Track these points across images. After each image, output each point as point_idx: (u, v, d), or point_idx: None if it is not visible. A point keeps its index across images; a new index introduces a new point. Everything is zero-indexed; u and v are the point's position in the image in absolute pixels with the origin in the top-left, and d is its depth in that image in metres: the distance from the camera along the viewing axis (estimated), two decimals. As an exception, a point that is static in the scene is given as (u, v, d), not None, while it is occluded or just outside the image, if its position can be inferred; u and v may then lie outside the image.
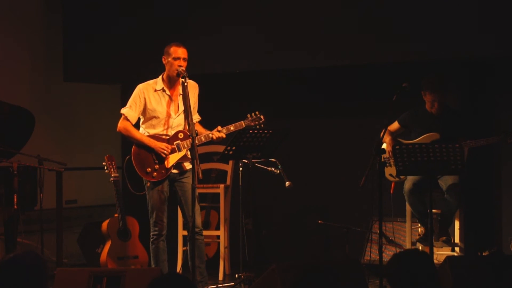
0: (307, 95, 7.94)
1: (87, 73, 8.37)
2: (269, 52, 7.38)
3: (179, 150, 6.01)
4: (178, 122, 6.05)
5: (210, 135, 5.98)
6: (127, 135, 6.07)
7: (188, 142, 5.96)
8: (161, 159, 5.98)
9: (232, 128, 6.03)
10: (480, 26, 6.57)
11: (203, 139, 5.97)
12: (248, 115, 6.12)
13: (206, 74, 7.45)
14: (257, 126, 6.09)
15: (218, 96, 7.87)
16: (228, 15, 7.54)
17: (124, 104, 6.19)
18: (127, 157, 6.09)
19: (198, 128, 6.06)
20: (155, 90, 6.05)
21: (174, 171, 6.05)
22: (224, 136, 5.99)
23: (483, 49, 6.64)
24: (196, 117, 6.14)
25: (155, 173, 5.99)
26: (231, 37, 7.50)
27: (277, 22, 7.33)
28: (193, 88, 6.08)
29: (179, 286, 3.22)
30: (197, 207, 5.96)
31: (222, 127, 6.00)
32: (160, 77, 6.08)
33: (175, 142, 6.01)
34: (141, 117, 6.10)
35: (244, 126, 6.06)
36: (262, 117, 6.13)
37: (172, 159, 5.99)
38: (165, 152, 5.96)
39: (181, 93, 5.94)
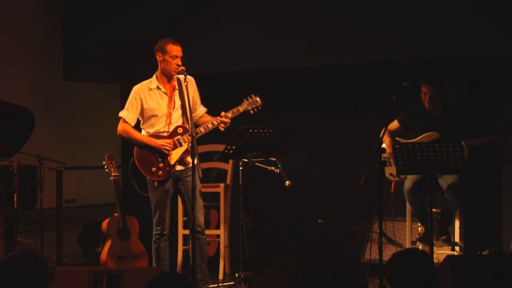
0: (307, 94, 7.94)
1: (87, 73, 8.37)
2: (268, 51, 7.38)
3: (180, 145, 6.01)
4: (176, 117, 6.06)
5: (215, 122, 5.98)
6: (127, 137, 6.08)
7: (188, 136, 5.97)
8: (164, 156, 5.98)
9: (229, 114, 6.03)
10: (480, 26, 6.57)
11: (203, 131, 5.97)
12: (244, 99, 6.11)
13: (206, 73, 7.44)
14: (255, 109, 6.09)
15: (218, 96, 7.86)
16: (227, 15, 7.54)
17: (123, 104, 6.20)
18: (131, 159, 6.09)
19: (206, 118, 6.07)
20: (150, 89, 6.05)
21: (179, 167, 6.05)
22: (229, 121, 5.98)
23: (483, 49, 6.64)
24: (202, 109, 6.17)
25: (160, 172, 5.99)
26: (231, 36, 7.50)
27: (277, 21, 7.33)
28: (190, 83, 6.07)
29: (177, 286, 3.22)
30: (201, 205, 5.97)
31: (225, 112, 6.01)
32: (154, 75, 6.08)
33: (175, 138, 6.01)
34: (140, 118, 6.11)
35: (241, 111, 6.07)
36: (258, 99, 6.11)
37: (175, 154, 6.00)
38: (167, 148, 5.97)
39: (177, 88, 5.95)
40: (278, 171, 6.75)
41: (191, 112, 5.80)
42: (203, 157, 6.78)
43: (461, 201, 6.59)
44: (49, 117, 8.26)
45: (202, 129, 5.95)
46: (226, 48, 7.54)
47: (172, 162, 5.99)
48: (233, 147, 5.98)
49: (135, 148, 6.05)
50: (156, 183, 6.02)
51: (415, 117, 6.73)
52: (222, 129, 6.00)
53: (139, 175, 6.06)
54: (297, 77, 7.88)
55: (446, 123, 6.61)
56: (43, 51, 8.36)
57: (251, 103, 6.10)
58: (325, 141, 7.90)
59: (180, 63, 5.96)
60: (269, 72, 7.77)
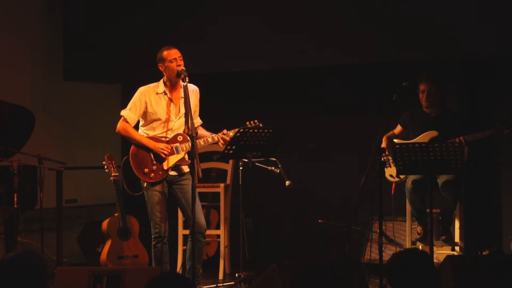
0: (307, 94, 7.94)
1: (87, 73, 8.37)
2: (268, 51, 7.38)
3: (178, 152, 6.01)
4: (178, 125, 6.06)
5: (216, 138, 5.99)
6: (126, 136, 6.07)
7: (186, 145, 5.98)
8: (160, 160, 5.98)
9: (231, 134, 6.02)
10: (480, 25, 6.57)
11: (202, 143, 5.97)
12: (247, 123, 6.13)
13: (206, 73, 7.45)
14: None
15: (218, 96, 7.87)
16: (227, 15, 7.54)
17: (124, 103, 6.19)
18: (125, 157, 6.10)
19: (201, 131, 6.07)
20: (157, 93, 6.05)
21: (172, 173, 6.04)
22: (229, 139, 5.98)
23: (483, 49, 6.64)
24: (197, 121, 6.14)
25: (152, 174, 5.99)
26: (231, 36, 7.50)
27: (278, 21, 7.33)
28: (193, 91, 6.09)
29: (177, 286, 3.22)
30: (199, 207, 5.95)
31: (227, 130, 6.00)
32: (162, 80, 6.09)
33: (173, 145, 6.01)
34: (141, 119, 6.10)
35: None
36: (260, 125, 6.14)
37: (171, 161, 5.99)
38: (165, 152, 5.96)
39: (183, 96, 5.95)
40: (278, 171, 6.75)
41: (191, 112, 5.80)
42: (203, 157, 6.78)
43: (457, 198, 6.55)
44: (49, 117, 8.26)
45: (201, 142, 5.95)
46: (226, 48, 7.53)
47: (166, 167, 5.99)
48: (233, 147, 5.98)
49: (132, 146, 6.05)
50: (145, 184, 6.02)
51: (412, 118, 6.71)
52: (221, 146, 6.00)
53: (135, 175, 6.05)
54: (297, 77, 7.88)
55: (442, 125, 6.57)
56: (43, 51, 8.36)
57: (253, 128, 6.11)
58: (325, 141, 7.90)
59: (180, 63, 5.96)
60: (269, 72, 7.77)
